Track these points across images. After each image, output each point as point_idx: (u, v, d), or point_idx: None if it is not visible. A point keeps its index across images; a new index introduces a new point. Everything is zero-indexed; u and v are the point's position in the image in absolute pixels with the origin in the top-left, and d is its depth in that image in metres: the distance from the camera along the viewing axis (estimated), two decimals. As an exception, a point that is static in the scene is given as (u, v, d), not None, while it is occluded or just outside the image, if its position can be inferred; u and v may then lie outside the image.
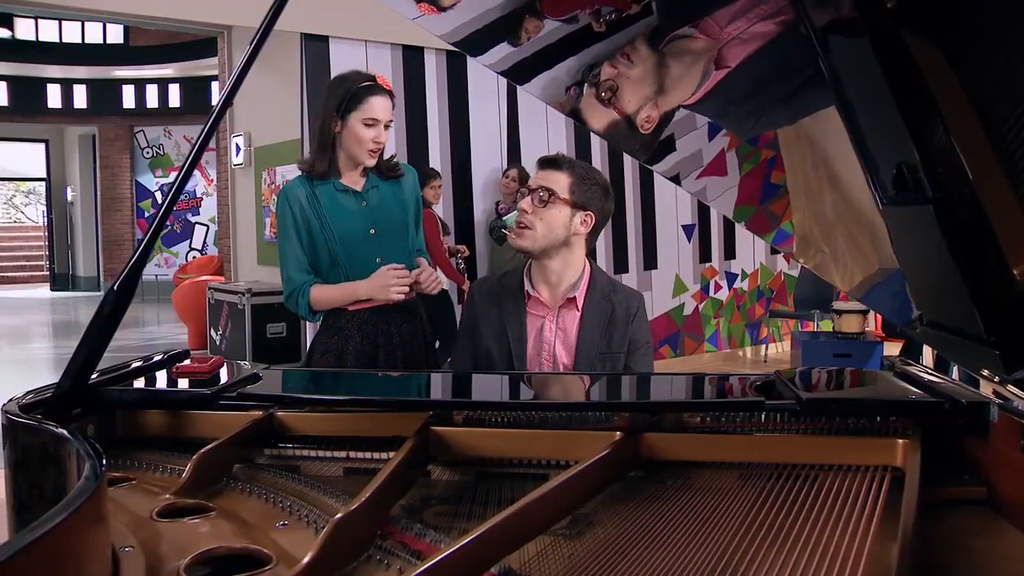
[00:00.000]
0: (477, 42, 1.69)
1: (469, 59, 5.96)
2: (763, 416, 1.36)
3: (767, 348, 7.86)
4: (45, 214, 16.55)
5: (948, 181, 1.19)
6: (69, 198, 15.56)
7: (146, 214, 14.43)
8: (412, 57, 5.77)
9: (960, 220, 1.20)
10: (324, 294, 2.34)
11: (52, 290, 15.66)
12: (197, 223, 13.97)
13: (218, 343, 6.71)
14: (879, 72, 1.22)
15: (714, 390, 1.61)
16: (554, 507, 1.06)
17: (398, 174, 2.46)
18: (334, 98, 2.34)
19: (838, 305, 5.91)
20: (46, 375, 7.95)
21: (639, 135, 1.65)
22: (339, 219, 2.35)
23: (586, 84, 1.68)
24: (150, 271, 14.13)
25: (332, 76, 5.44)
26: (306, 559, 0.90)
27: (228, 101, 1.45)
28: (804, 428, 1.33)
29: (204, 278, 8.86)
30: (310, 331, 5.69)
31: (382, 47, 5.65)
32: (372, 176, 2.42)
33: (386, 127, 2.34)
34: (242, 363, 1.74)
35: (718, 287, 7.50)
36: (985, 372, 1.19)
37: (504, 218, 5.68)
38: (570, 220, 2.07)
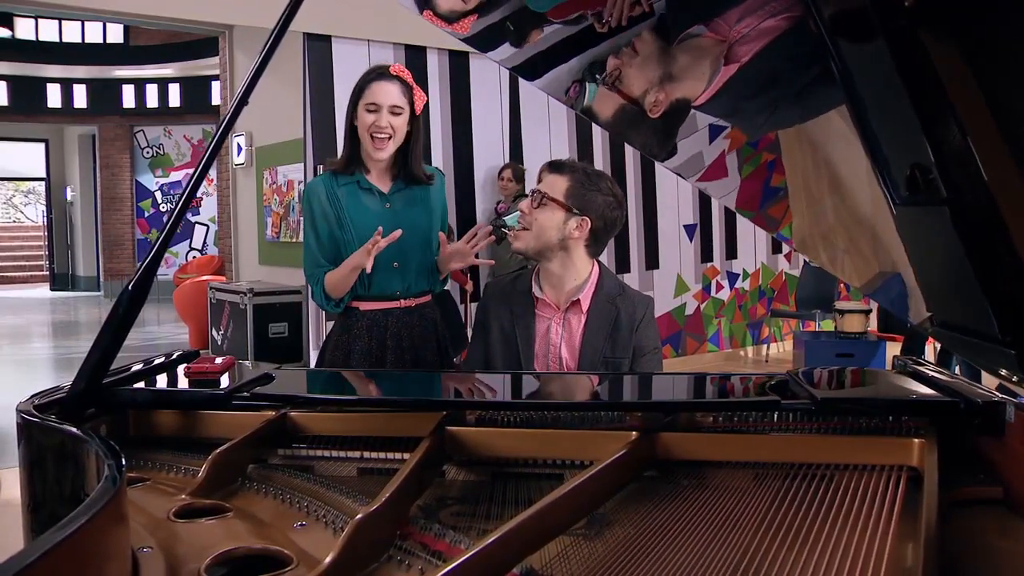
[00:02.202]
0: (486, 39, 1.69)
1: (471, 59, 5.97)
2: (775, 416, 1.36)
3: (768, 348, 7.86)
4: (45, 214, 16.54)
5: (962, 182, 1.19)
6: (69, 198, 15.55)
7: (146, 214, 14.42)
8: (414, 57, 5.77)
9: (974, 220, 1.20)
10: (332, 278, 2.29)
11: (52, 290, 15.65)
12: (197, 223, 13.97)
13: (219, 343, 6.71)
14: (894, 71, 1.22)
15: (729, 390, 1.61)
16: (574, 507, 1.06)
17: (426, 182, 2.38)
18: (352, 95, 2.31)
19: (840, 305, 5.92)
20: (46, 375, 7.94)
21: (648, 121, 1.64)
22: (360, 219, 2.29)
23: (593, 82, 1.68)
24: (150, 271, 14.09)
25: (335, 76, 5.50)
26: (328, 559, 0.90)
27: (244, 100, 1.45)
28: (818, 428, 1.33)
29: (205, 278, 8.85)
30: (313, 331, 5.71)
31: (385, 46, 5.65)
32: (398, 182, 2.37)
33: (394, 113, 2.23)
34: (245, 363, 1.74)
35: (719, 287, 7.50)
36: (1003, 372, 1.19)
37: (505, 218, 5.69)
38: (563, 223, 2.08)
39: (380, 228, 2.17)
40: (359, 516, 0.96)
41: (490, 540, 0.90)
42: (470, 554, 0.87)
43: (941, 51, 1.16)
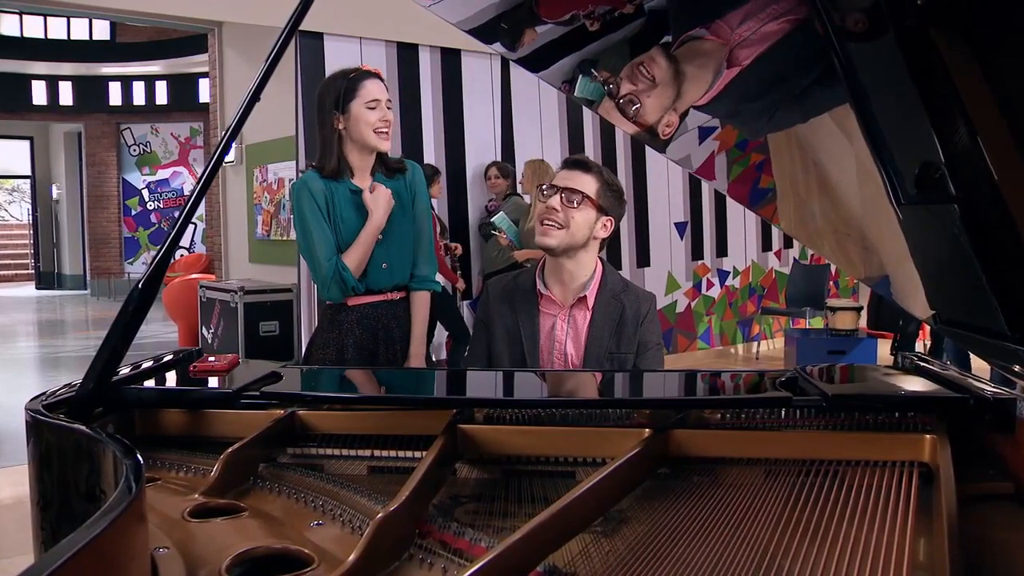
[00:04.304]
0: (487, 32, 1.69)
1: (463, 57, 5.96)
2: (783, 412, 1.36)
3: (759, 345, 7.90)
4: (30, 212, 16.42)
5: (972, 180, 1.20)
6: (54, 196, 15.44)
7: (133, 212, 14.34)
8: (407, 54, 5.76)
9: (983, 219, 1.20)
10: (354, 256, 2.34)
11: (37, 288, 15.54)
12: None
13: (210, 341, 6.68)
14: (905, 70, 1.23)
15: (739, 387, 1.61)
16: (594, 504, 1.06)
17: (402, 168, 2.48)
18: (330, 97, 2.36)
19: (831, 302, 5.96)
20: (32, 374, 7.90)
21: (660, 140, 1.66)
22: (350, 223, 2.35)
23: (587, 75, 1.68)
24: (138, 269, 14.04)
25: (327, 73, 5.46)
26: (351, 559, 0.90)
27: (256, 97, 1.44)
28: (826, 424, 1.34)
29: (193, 276, 8.81)
30: (304, 330, 5.68)
31: (377, 44, 5.64)
32: (378, 176, 2.43)
33: (388, 108, 2.37)
34: (257, 362, 1.73)
35: (710, 284, 7.52)
36: (1017, 368, 1.20)
37: (493, 219, 5.70)
38: (594, 223, 2.11)
39: (366, 189, 2.37)
40: (380, 515, 0.96)
41: (514, 538, 0.90)
42: (495, 553, 0.87)
43: (952, 50, 1.17)
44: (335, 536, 1.07)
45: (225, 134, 1.41)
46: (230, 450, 1.26)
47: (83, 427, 1.14)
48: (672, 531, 1.05)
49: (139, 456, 0.98)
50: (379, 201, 2.35)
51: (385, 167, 2.45)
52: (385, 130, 2.36)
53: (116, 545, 0.81)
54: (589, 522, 1.05)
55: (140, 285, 1.36)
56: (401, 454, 1.37)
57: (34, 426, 1.24)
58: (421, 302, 2.48)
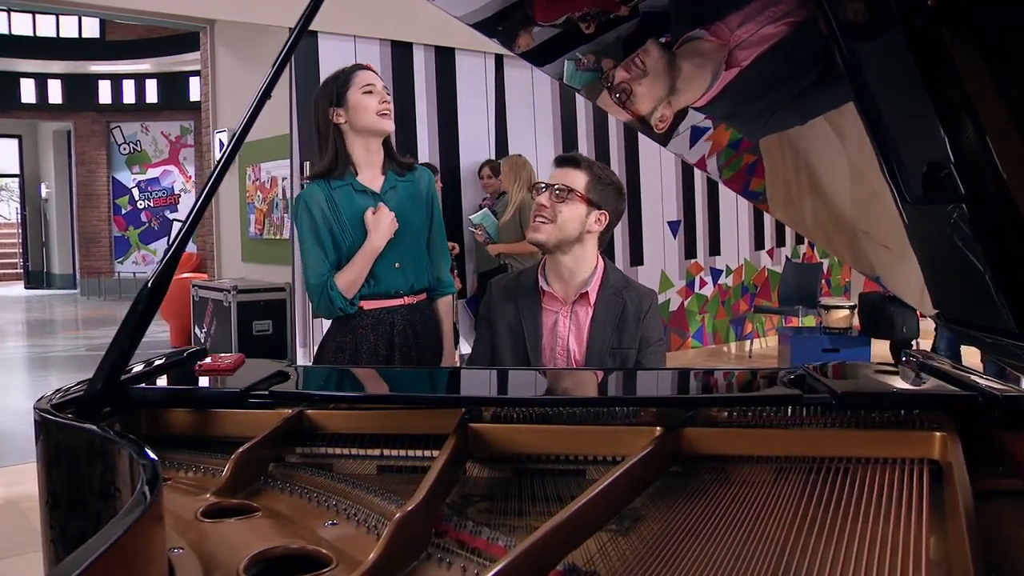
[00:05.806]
0: (493, 25, 1.69)
1: (458, 55, 5.96)
2: (789, 410, 1.37)
3: (751, 344, 7.92)
4: (19, 211, 16.32)
5: (980, 179, 1.20)
6: (43, 194, 15.35)
7: (123, 211, 14.28)
8: (401, 53, 5.75)
9: (991, 218, 1.21)
10: (346, 276, 2.28)
11: (26, 288, 15.45)
12: (175, 220, 13.85)
13: (203, 341, 6.66)
14: (914, 70, 1.23)
15: (749, 384, 1.62)
16: (610, 503, 1.06)
17: (413, 167, 2.46)
18: (326, 95, 2.33)
19: (825, 301, 5.98)
20: (21, 374, 7.85)
21: (654, 134, 1.67)
22: (359, 223, 2.30)
23: (571, 61, 1.68)
24: (128, 269, 13.98)
25: (321, 71, 5.45)
26: (371, 558, 0.89)
27: (267, 95, 1.44)
28: (833, 422, 1.34)
29: (185, 275, 8.77)
30: (299, 329, 5.67)
31: (371, 42, 5.62)
32: (391, 175, 2.39)
33: (386, 92, 2.35)
34: (262, 361, 1.72)
35: (703, 283, 7.54)
36: (1026, 366, 1.21)
37: (471, 216, 5.71)
38: (585, 217, 2.12)
39: (370, 209, 2.30)
40: (399, 515, 0.96)
41: (533, 538, 0.90)
42: (516, 553, 0.87)
43: (962, 50, 1.17)
44: (350, 535, 1.07)
45: (236, 132, 1.41)
46: (241, 450, 1.26)
47: (94, 427, 1.14)
48: (688, 529, 1.05)
49: (154, 456, 0.97)
50: (380, 224, 2.28)
51: (396, 164, 2.40)
52: (386, 112, 2.32)
53: (136, 548, 0.81)
54: (605, 521, 1.05)
55: (149, 285, 1.35)
56: (411, 453, 1.37)
57: (43, 425, 1.23)
58: (446, 305, 2.49)
